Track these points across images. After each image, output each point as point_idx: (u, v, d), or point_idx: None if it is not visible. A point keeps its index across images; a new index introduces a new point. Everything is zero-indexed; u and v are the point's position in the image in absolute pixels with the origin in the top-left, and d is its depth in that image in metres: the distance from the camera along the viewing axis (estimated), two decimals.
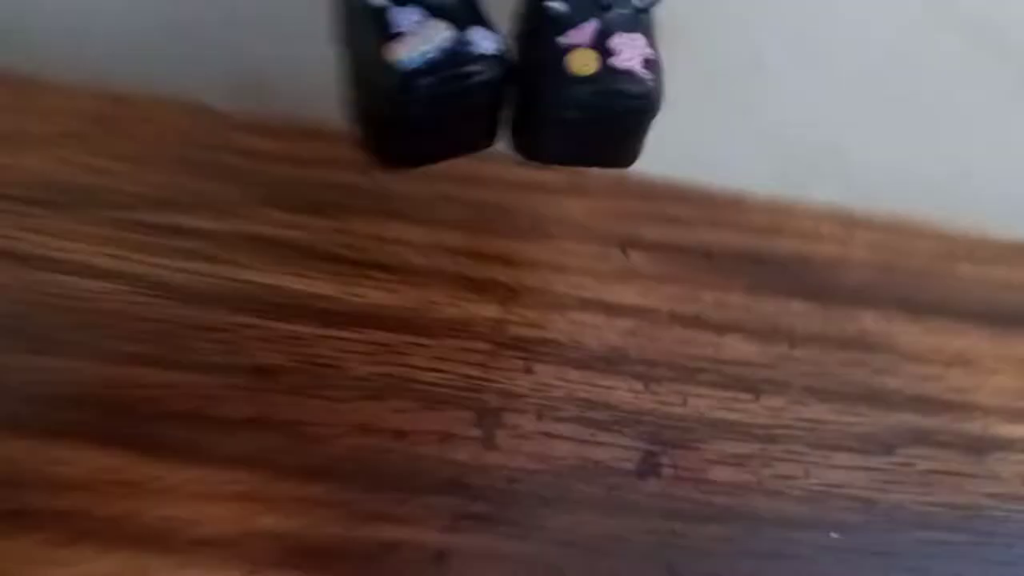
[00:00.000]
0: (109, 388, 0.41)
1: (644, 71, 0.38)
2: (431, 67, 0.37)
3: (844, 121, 0.58)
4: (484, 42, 0.38)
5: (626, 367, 0.47)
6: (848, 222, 0.58)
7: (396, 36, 0.37)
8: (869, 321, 0.52)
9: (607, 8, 0.39)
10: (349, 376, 0.44)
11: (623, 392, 0.46)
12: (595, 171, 0.56)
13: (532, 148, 0.41)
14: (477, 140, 0.41)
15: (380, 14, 0.38)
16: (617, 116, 0.38)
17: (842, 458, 0.45)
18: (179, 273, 0.46)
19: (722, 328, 0.50)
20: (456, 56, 0.37)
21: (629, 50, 0.38)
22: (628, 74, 0.38)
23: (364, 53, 0.39)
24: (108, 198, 0.49)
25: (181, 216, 0.48)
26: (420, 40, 0.37)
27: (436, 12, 0.38)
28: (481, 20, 0.39)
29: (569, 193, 0.54)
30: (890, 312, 0.53)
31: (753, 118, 0.59)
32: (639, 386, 0.46)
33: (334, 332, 0.45)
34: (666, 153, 0.57)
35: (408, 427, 0.42)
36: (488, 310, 0.47)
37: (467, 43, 0.38)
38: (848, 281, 0.54)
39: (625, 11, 0.40)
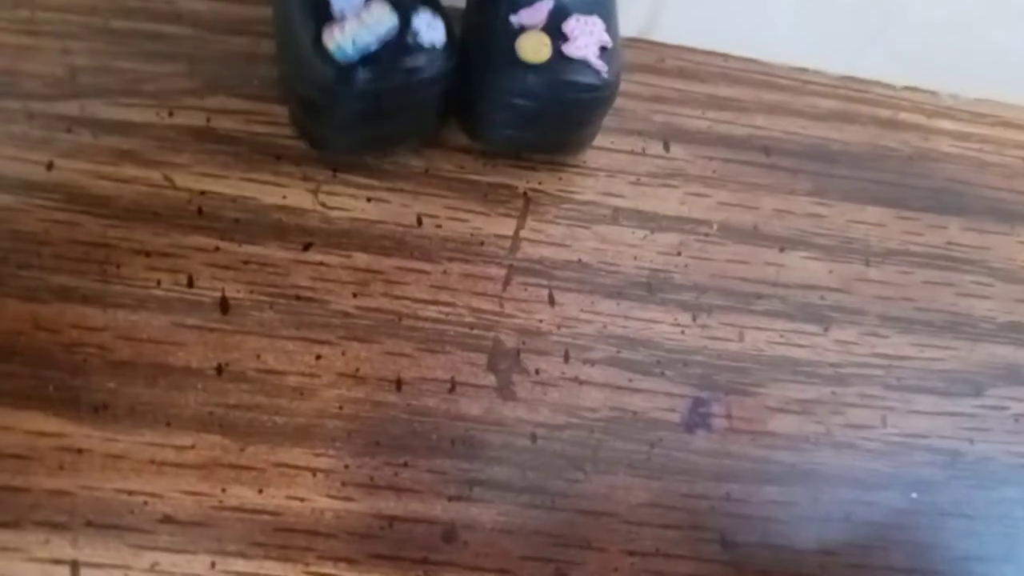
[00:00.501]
0: (39, 331, 0.36)
1: (599, 61, 0.38)
2: (371, 60, 0.35)
3: None
4: (430, 31, 0.36)
5: (669, 295, 0.42)
6: (931, 108, 0.51)
7: (335, 20, 0.35)
8: (956, 231, 0.47)
9: None
10: (331, 311, 0.38)
11: (666, 326, 0.41)
12: (630, 39, 0.49)
13: (479, 131, 0.40)
14: (422, 130, 0.40)
15: None
16: (569, 106, 0.38)
17: (924, 402, 0.41)
18: (111, 182, 0.39)
19: (784, 243, 0.44)
20: (398, 48, 0.35)
21: (584, 36, 0.38)
22: (582, 64, 0.38)
23: (298, 34, 0.36)
24: (18, 85, 0.41)
25: (111, 106, 0.41)
26: (360, 26, 0.35)
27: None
28: (428, 2, 0.37)
29: None
30: (980, 220, 0.48)
31: None
32: (685, 318, 0.41)
33: (311, 256, 0.39)
34: (713, 22, 0.49)
35: (407, 375, 0.37)
36: (501, 225, 0.41)
37: (411, 33, 0.36)
38: (931, 182, 0.48)
39: None
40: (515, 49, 0.37)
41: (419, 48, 0.36)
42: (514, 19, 0.38)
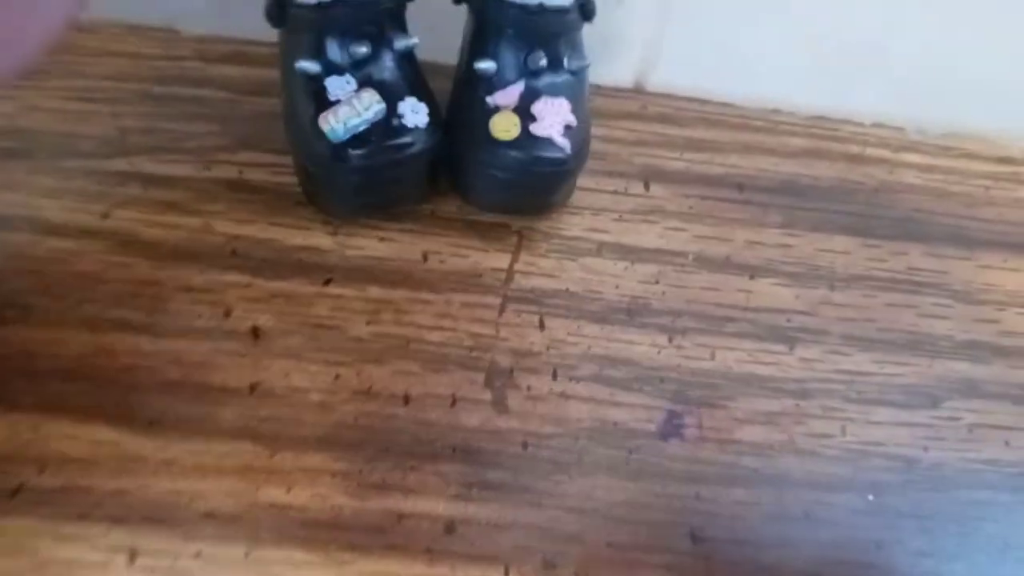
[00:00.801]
0: (97, 358, 0.43)
1: (562, 139, 0.44)
2: (361, 139, 0.43)
3: (887, 18, 0.56)
4: (414, 115, 0.44)
5: (648, 319, 0.48)
6: (897, 144, 0.57)
7: (330, 105, 0.43)
8: (917, 257, 0.53)
9: (535, 73, 0.46)
10: (348, 337, 0.45)
11: (645, 347, 0.47)
12: (611, 87, 0.56)
13: (467, 196, 0.48)
14: (413, 196, 0.48)
15: (316, 82, 0.44)
16: (537, 177, 0.45)
17: (882, 413, 0.47)
18: (155, 228, 0.47)
19: (754, 271, 0.51)
20: (386, 130, 0.43)
21: (551, 116, 0.45)
22: (547, 141, 0.44)
23: (300, 118, 0.44)
24: (76, 146, 0.49)
25: (157, 163, 0.49)
26: (351, 111, 0.43)
27: (371, 83, 0.44)
28: (415, 91, 0.45)
29: None
30: (941, 246, 0.54)
31: (785, 16, 0.57)
32: (662, 340, 0.48)
33: (330, 290, 0.47)
34: (692, 64, 0.56)
35: (414, 391, 0.44)
36: (496, 260, 0.49)
37: (397, 116, 0.44)
38: (896, 212, 0.55)
39: (556, 78, 0.46)
40: (488, 128, 0.44)
41: (404, 129, 0.43)
42: (490, 100, 0.45)
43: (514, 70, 0.46)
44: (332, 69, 0.44)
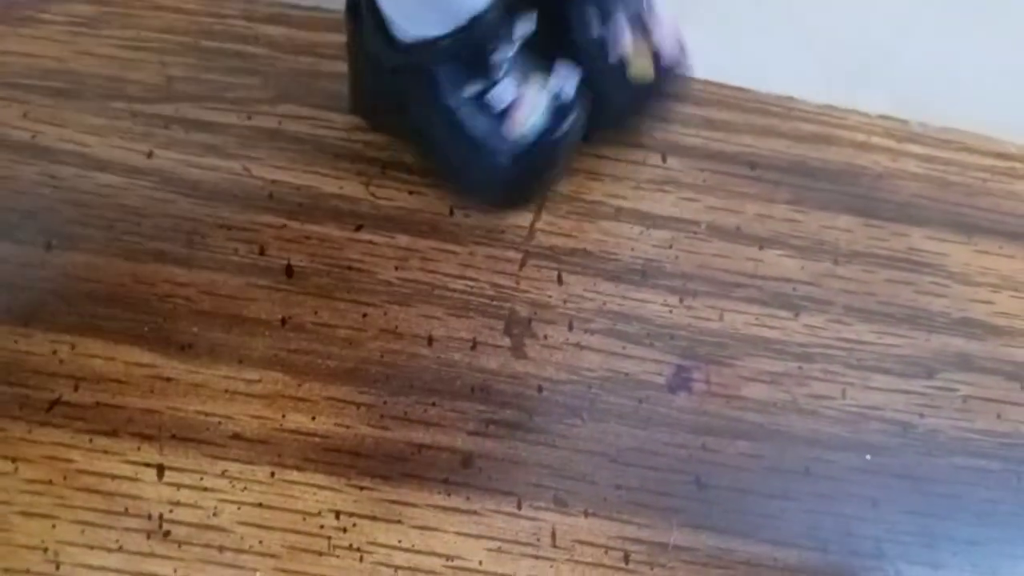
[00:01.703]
0: (136, 286, 0.44)
1: (681, 54, 0.46)
2: (542, 134, 0.43)
3: (895, 24, 0.58)
4: (570, 82, 0.44)
5: (660, 280, 0.49)
6: (901, 134, 0.58)
7: (505, 112, 0.43)
8: (918, 239, 0.53)
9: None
10: (377, 280, 0.46)
11: (656, 306, 0.48)
12: None
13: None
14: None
15: (481, 98, 0.43)
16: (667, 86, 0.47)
17: (881, 380, 0.47)
18: (199, 170, 0.48)
19: (763, 242, 0.51)
20: (557, 113, 0.43)
21: (667, 36, 0.45)
22: (673, 60, 0.46)
23: (474, 138, 0.43)
24: (124, 89, 0.50)
25: (200, 109, 0.50)
26: (528, 109, 0.43)
27: (524, 69, 0.43)
28: (557, 53, 0.44)
29: None
30: (941, 230, 0.54)
31: (800, 20, 0.58)
32: (673, 300, 0.48)
33: (361, 235, 0.47)
34: (710, 56, 0.57)
35: (437, 333, 0.45)
36: (518, 218, 0.49)
37: (559, 95, 0.44)
38: (898, 197, 0.55)
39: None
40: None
41: (570, 103, 0.44)
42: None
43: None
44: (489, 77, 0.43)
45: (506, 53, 0.42)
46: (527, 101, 0.42)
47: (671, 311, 0.48)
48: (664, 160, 0.53)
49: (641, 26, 0.45)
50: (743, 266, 0.50)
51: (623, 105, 0.46)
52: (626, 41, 0.45)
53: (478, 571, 0.38)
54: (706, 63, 0.57)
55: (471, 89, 0.42)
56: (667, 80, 0.46)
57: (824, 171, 0.55)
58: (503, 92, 0.42)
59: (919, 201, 0.55)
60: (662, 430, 0.44)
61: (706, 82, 0.57)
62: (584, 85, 0.45)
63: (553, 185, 0.48)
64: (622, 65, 0.45)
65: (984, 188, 0.56)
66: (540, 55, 0.44)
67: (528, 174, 0.45)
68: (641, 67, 0.45)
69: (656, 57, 0.45)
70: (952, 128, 0.58)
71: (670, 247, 0.50)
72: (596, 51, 0.45)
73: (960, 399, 0.48)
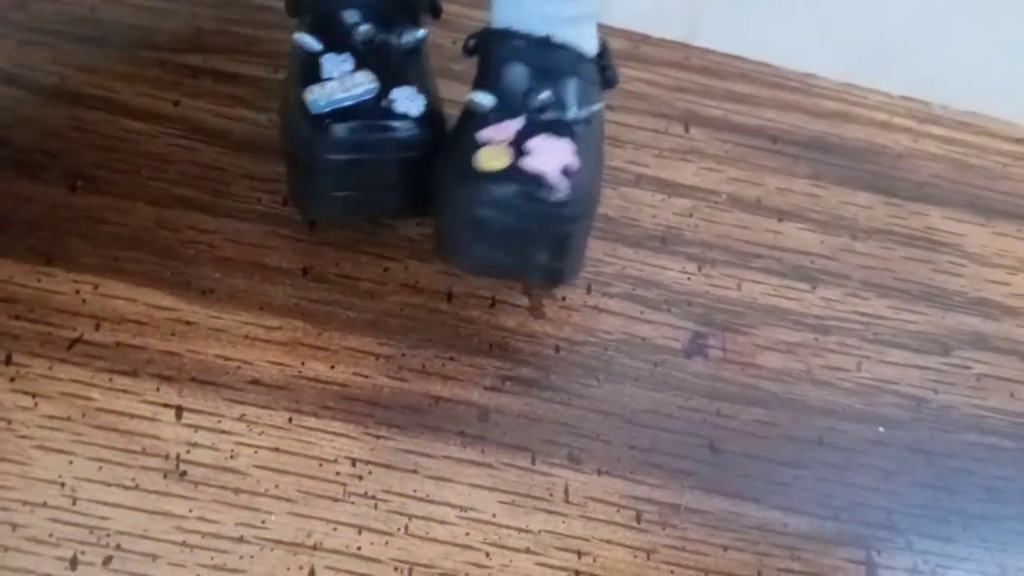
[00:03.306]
0: (159, 230, 0.42)
1: (557, 178, 0.36)
2: (344, 115, 0.37)
3: (920, 6, 0.56)
4: (407, 102, 0.38)
5: (680, 248, 0.47)
6: (922, 115, 0.56)
7: (321, 81, 0.38)
8: (936, 219, 0.52)
9: (540, 110, 0.37)
10: (399, 235, 0.44)
11: (675, 272, 0.46)
12: (659, 38, 0.55)
13: (453, 249, 0.39)
14: (398, 204, 0.41)
15: (314, 60, 0.39)
16: (529, 219, 0.36)
17: (896, 355, 0.46)
18: (226, 120, 0.46)
19: (783, 215, 0.49)
20: (373, 111, 0.37)
21: (548, 154, 0.36)
22: (537, 177, 0.36)
23: (290, 95, 0.39)
24: (153, 39, 0.48)
25: (228, 61, 0.48)
26: (339, 87, 0.38)
27: (370, 67, 0.38)
28: (415, 83, 0.39)
29: (630, 60, 0.53)
30: (959, 211, 0.52)
31: (824, 1, 0.57)
32: (692, 268, 0.46)
33: None
34: (733, 33, 0.55)
35: (457, 290, 0.43)
36: None
37: (389, 99, 0.38)
38: (917, 176, 0.53)
39: (562, 117, 0.38)
40: (473, 160, 0.36)
41: (392, 114, 0.37)
42: (480, 135, 0.37)
43: (515, 107, 0.38)
44: (332, 47, 0.39)
45: (368, 29, 0.39)
46: (348, 81, 0.37)
47: (689, 278, 0.46)
48: (687, 130, 0.51)
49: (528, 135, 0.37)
50: (762, 237, 0.48)
51: (461, 192, 0.37)
52: (500, 137, 0.37)
53: (491, 523, 0.37)
54: (730, 38, 0.55)
55: (313, 43, 0.39)
56: (521, 182, 0.36)
57: (844, 148, 0.53)
58: (333, 64, 0.38)
59: (938, 182, 0.53)
60: (677, 394, 0.42)
61: (729, 55, 0.55)
62: (435, 127, 0.39)
63: (374, 211, 0.42)
64: (476, 145, 0.37)
65: (1004, 172, 0.55)
66: (415, 78, 0.39)
67: (312, 154, 0.38)
68: (491, 155, 0.36)
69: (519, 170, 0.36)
70: (974, 112, 0.56)
71: (690, 216, 0.48)
72: (463, 123, 0.39)
73: (974, 377, 0.46)
